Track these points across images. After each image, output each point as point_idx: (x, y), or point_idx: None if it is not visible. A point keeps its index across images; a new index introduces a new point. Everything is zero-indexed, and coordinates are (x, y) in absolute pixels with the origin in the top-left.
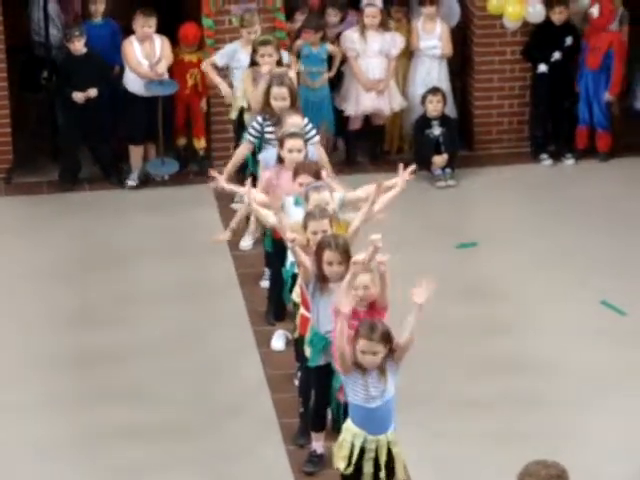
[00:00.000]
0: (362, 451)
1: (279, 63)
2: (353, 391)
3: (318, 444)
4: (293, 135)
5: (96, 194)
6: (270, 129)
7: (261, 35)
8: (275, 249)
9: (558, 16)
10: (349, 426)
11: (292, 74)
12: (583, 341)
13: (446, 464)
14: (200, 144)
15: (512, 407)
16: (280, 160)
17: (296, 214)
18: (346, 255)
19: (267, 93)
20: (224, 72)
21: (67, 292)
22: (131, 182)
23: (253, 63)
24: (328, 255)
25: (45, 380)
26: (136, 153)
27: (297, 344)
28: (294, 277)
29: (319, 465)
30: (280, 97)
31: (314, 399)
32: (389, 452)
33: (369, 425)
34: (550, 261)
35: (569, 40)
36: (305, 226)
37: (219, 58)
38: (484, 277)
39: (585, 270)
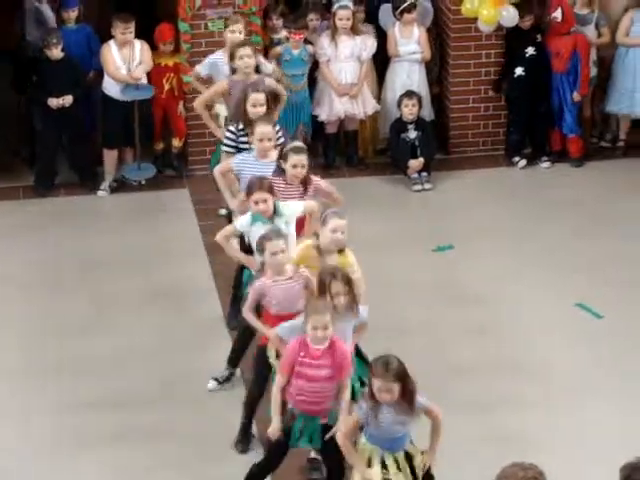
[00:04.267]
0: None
1: (257, 70)
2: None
3: None
4: (298, 150)
5: (72, 199)
6: (244, 138)
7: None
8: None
9: (527, 23)
10: (363, 441)
11: (271, 81)
12: (560, 343)
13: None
14: (177, 143)
15: (491, 409)
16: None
17: (257, 233)
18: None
19: (244, 100)
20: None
21: (43, 299)
22: (101, 192)
23: (233, 72)
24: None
25: (27, 386)
26: (110, 157)
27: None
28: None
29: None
30: (258, 103)
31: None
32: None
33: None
34: (526, 263)
35: (539, 37)
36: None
37: (201, 68)
38: (461, 280)
39: (561, 273)
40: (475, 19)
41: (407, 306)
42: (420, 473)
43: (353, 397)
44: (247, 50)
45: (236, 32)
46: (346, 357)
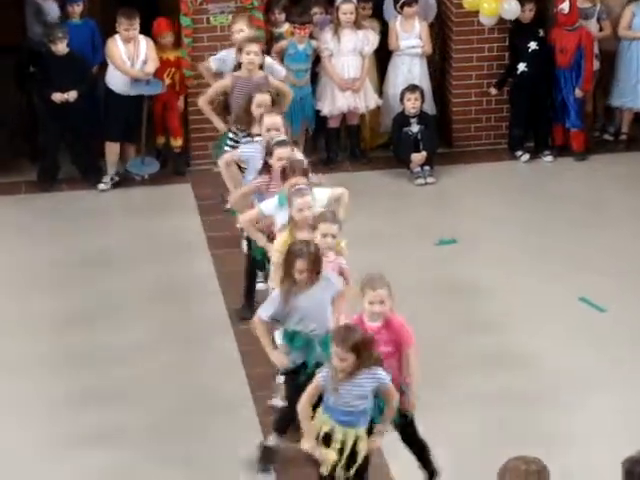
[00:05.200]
0: (328, 437)
1: (261, 67)
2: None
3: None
4: (281, 143)
5: (75, 194)
6: (246, 139)
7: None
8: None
9: (528, 14)
10: (320, 411)
11: (275, 79)
12: (564, 338)
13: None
14: (177, 143)
15: (494, 403)
16: (266, 167)
17: (283, 216)
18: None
19: (249, 101)
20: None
21: (47, 294)
22: (102, 186)
23: (238, 66)
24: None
25: (29, 382)
26: (112, 151)
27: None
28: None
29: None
30: (264, 104)
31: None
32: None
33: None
34: (529, 257)
35: (542, 32)
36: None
37: (213, 62)
38: (464, 274)
39: (565, 266)
40: (477, 12)
41: (409, 300)
42: (359, 458)
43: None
44: (254, 47)
45: (237, 32)
46: (404, 329)
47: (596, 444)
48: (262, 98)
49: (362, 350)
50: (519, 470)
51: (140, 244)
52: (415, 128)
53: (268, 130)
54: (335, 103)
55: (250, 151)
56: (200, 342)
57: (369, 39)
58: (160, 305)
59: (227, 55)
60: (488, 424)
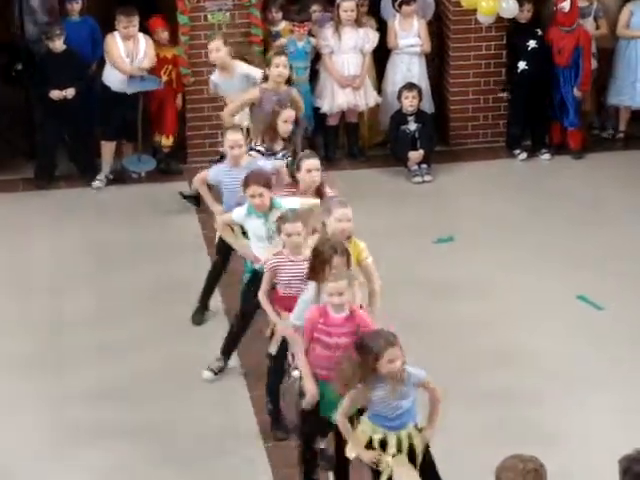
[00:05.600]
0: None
1: (288, 81)
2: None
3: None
4: (311, 156)
5: (72, 192)
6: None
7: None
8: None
9: (526, 14)
10: (366, 420)
11: (293, 90)
12: (563, 336)
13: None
14: (167, 142)
15: (493, 402)
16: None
17: (251, 224)
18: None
19: (275, 116)
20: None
21: (44, 292)
22: (97, 183)
23: (265, 79)
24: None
25: (28, 378)
26: (108, 149)
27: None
28: (254, 272)
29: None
30: (290, 120)
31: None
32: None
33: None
34: (527, 255)
35: (540, 31)
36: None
37: (211, 84)
38: (462, 272)
39: (562, 264)
40: (474, 10)
41: (407, 298)
42: (420, 453)
43: None
44: (283, 59)
45: (213, 51)
46: (367, 325)
47: (594, 443)
48: (289, 113)
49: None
50: (516, 468)
51: (138, 242)
52: (412, 126)
53: (231, 147)
54: (335, 100)
55: (216, 173)
56: (198, 340)
57: (369, 37)
58: (157, 301)
59: (215, 78)
60: (487, 422)
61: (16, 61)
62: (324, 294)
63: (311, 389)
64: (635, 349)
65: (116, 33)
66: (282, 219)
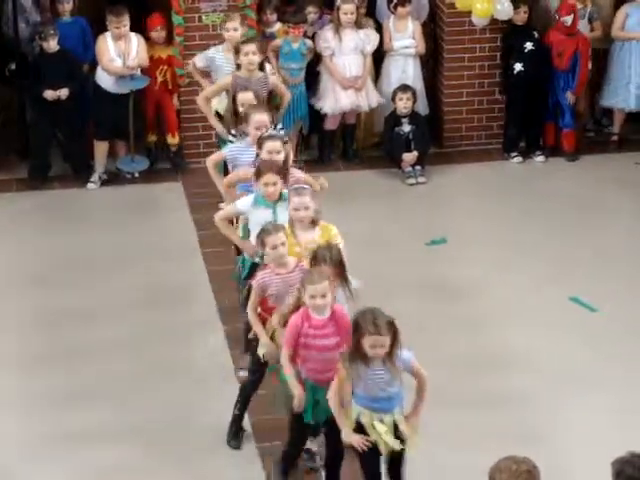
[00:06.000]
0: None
1: (261, 67)
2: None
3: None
4: (272, 137)
5: (65, 192)
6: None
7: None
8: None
9: (522, 16)
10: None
11: (275, 79)
12: (558, 337)
13: (422, 462)
14: (174, 140)
15: (486, 403)
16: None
17: (257, 215)
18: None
19: (233, 101)
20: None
21: (37, 292)
22: (91, 185)
23: (238, 67)
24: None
25: (24, 378)
26: (101, 150)
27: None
28: (253, 266)
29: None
30: (246, 102)
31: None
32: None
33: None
34: (520, 257)
35: (536, 34)
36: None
37: (199, 59)
38: (455, 274)
39: (556, 266)
40: (469, 12)
41: (400, 300)
42: (407, 440)
43: None
44: (252, 47)
45: (230, 30)
46: (347, 322)
47: (589, 443)
48: (245, 96)
49: (396, 330)
50: (510, 470)
51: (132, 242)
52: (407, 128)
53: (257, 128)
54: (338, 102)
55: (234, 150)
56: (190, 340)
57: (370, 38)
58: (150, 302)
59: (215, 53)
60: (480, 423)
61: (9, 61)
62: (306, 298)
63: (299, 393)
64: (630, 349)
65: (107, 34)
66: (264, 232)
